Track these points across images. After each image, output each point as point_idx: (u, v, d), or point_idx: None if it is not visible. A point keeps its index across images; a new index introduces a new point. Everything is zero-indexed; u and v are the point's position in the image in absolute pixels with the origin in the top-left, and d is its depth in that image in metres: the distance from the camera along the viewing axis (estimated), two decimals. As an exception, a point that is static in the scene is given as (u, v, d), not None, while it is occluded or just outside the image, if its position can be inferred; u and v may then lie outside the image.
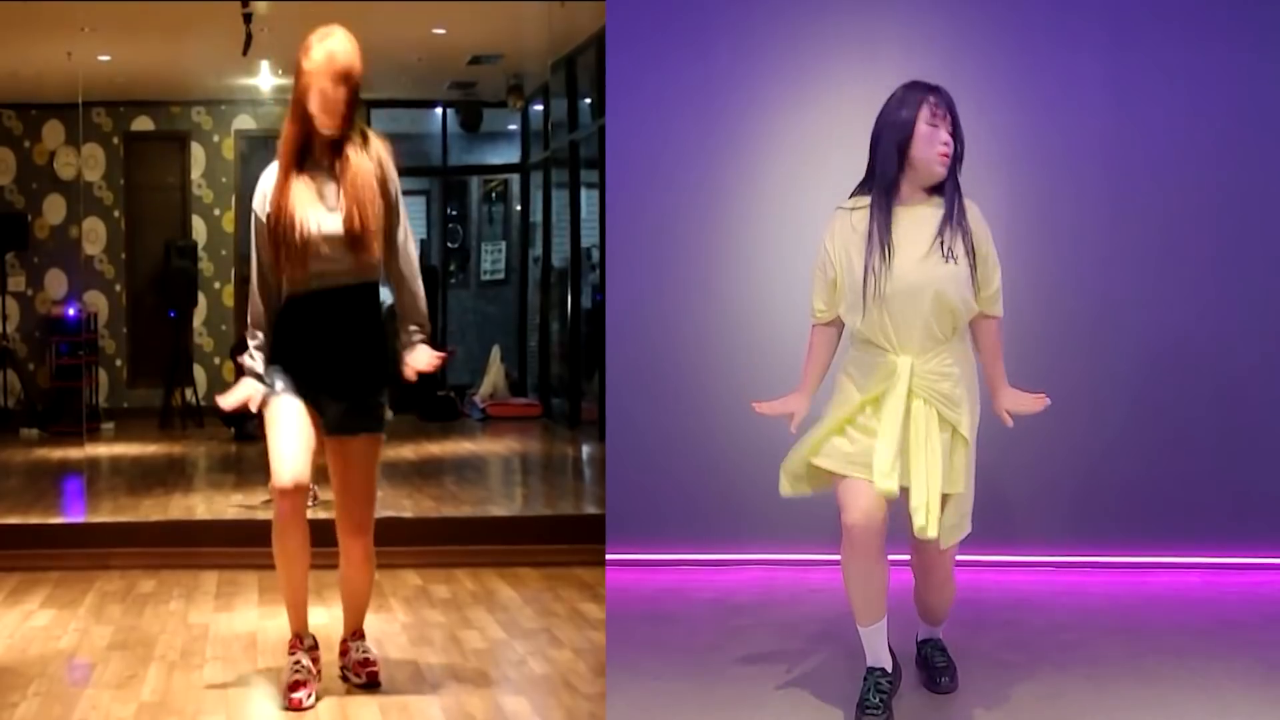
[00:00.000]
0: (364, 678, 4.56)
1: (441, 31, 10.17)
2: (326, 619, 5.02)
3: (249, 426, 9.26)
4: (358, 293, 4.42)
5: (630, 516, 6.35)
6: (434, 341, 4.55)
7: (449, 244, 12.56)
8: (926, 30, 6.28)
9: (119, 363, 11.22)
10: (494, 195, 12.84)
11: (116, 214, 11.17)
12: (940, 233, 4.10)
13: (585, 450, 10.13)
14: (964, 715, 4.36)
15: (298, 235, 4.29)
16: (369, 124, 4.67)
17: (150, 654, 5.05)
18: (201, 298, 11.16)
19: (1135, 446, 6.24)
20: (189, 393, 10.97)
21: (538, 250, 12.00)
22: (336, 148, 4.36)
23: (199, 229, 11.29)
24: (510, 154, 12.58)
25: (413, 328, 4.51)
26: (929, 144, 4.09)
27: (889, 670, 4.29)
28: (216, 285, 11.23)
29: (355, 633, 4.68)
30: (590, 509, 7.53)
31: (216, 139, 11.37)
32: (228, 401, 4.43)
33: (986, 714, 4.35)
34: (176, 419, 10.87)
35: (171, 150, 11.41)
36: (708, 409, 6.39)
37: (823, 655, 4.95)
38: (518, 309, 12.47)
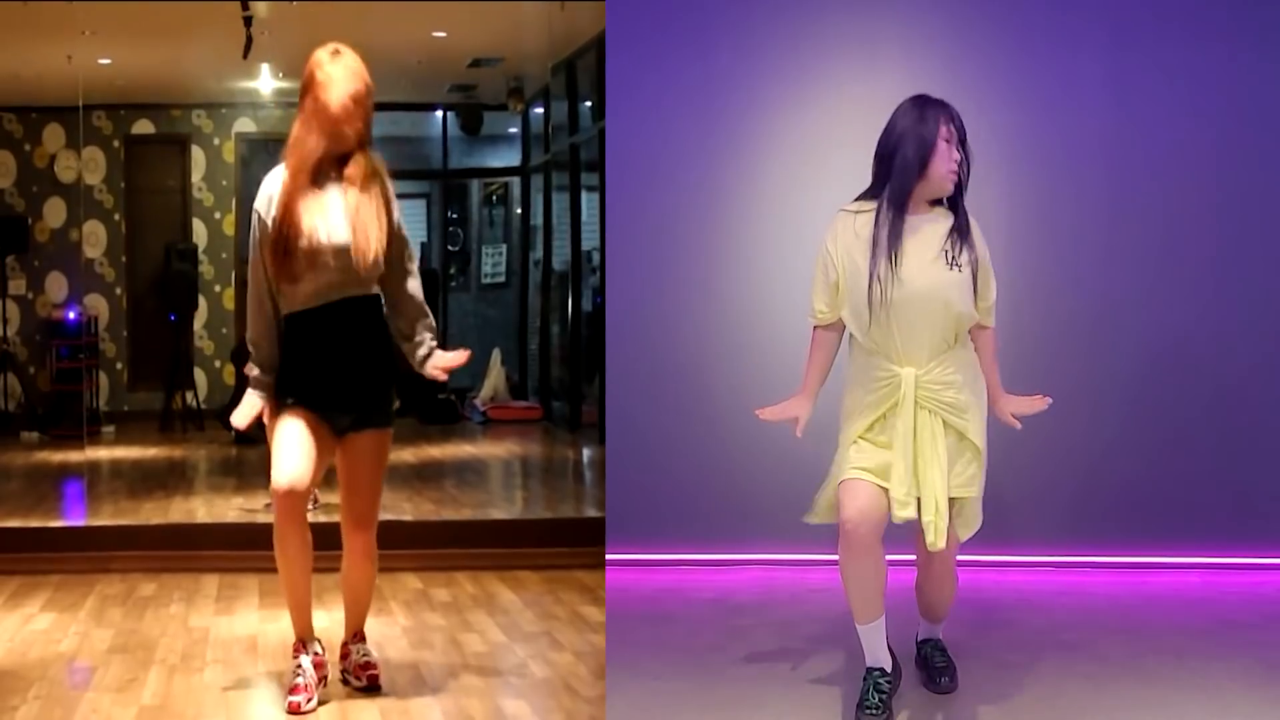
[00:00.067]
0: (364, 681, 4.55)
1: (442, 34, 10.18)
2: (327, 622, 5.02)
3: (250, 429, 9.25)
4: (363, 305, 4.44)
5: (630, 516, 6.35)
6: (440, 345, 4.58)
7: (449, 247, 12.56)
8: (926, 30, 6.28)
9: (119, 366, 11.23)
10: (494, 198, 12.84)
11: (117, 217, 11.18)
12: (947, 242, 4.17)
13: (586, 453, 10.13)
14: (964, 715, 4.36)
15: (306, 243, 4.30)
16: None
17: (151, 657, 5.05)
18: (202, 301, 11.17)
19: (1135, 446, 6.24)
20: (189, 396, 10.97)
21: (538, 253, 12.00)
22: (342, 160, 4.38)
23: (199, 232, 11.30)
24: (511, 157, 12.58)
25: (427, 335, 4.52)
26: (945, 160, 4.15)
27: (888, 670, 4.30)
28: (217, 288, 11.23)
29: (356, 635, 4.68)
30: (591, 512, 7.53)
31: (217, 142, 11.38)
32: (239, 420, 4.45)
33: (986, 714, 4.35)
34: (177, 422, 10.87)
35: (172, 153, 11.42)
36: (708, 409, 6.39)
37: (823, 655, 4.95)
38: (518, 312, 12.47)
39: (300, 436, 4.37)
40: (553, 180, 11.71)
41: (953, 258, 4.16)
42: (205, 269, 11.21)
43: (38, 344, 11.06)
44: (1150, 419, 6.24)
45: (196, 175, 11.35)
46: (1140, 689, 4.57)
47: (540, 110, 11.90)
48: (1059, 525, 6.28)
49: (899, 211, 4.15)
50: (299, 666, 4.43)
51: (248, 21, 9.02)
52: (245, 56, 9.30)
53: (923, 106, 4.18)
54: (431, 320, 4.54)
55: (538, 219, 11.96)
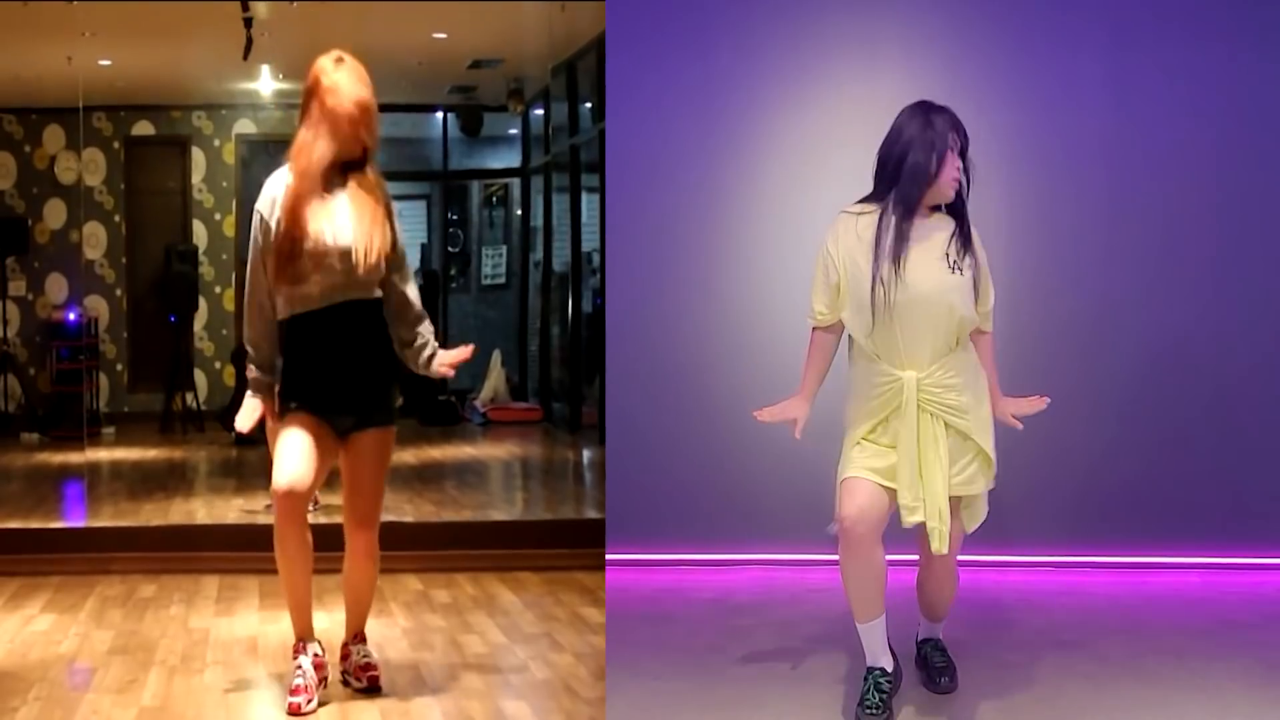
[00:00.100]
0: (365, 682, 4.56)
1: (442, 36, 10.18)
2: (328, 623, 5.02)
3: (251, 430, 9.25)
4: (366, 308, 4.46)
5: (630, 516, 6.35)
6: (441, 346, 4.60)
7: (449, 248, 12.57)
8: (926, 30, 6.28)
9: (119, 367, 11.23)
10: (494, 199, 12.85)
11: (117, 218, 11.19)
12: (950, 246, 4.19)
13: (586, 454, 10.13)
14: (964, 715, 4.36)
15: (313, 245, 4.32)
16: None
17: (151, 659, 5.05)
18: (202, 302, 11.17)
19: (1135, 446, 6.24)
20: (190, 397, 10.97)
21: (538, 255, 12.01)
22: (346, 166, 4.41)
23: (200, 233, 11.31)
24: (511, 158, 12.59)
25: (429, 336, 4.55)
26: (951, 167, 4.18)
27: (889, 670, 4.30)
28: (217, 290, 11.23)
29: (356, 636, 4.68)
30: (591, 513, 7.52)
31: (217, 143, 11.38)
32: (242, 423, 4.46)
33: (986, 714, 4.35)
34: (177, 423, 10.87)
35: (172, 155, 11.42)
36: (708, 409, 6.39)
37: (823, 655, 4.94)
38: (518, 313, 12.48)
39: (302, 439, 4.39)
40: (553, 182, 11.71)
41: (955, 262, 4.18)
42: (205, 270, 11.22)
43: (38, 345, 11.06)
44: (1150, 419, 6.24)
45: (197, 176, 11.36)
46: (1140, 689, 4.57)
47: (540, 111, 11.90)
48: (1059, 525, 6.28)
49: (907, 216, 4.16)
50: (299, 667, 4.43)
51: (248, 23, 9.02)
52: (245, 58, 9.30)
53: (928, 112, 4.19)
54: (429, 323, 4.57)
55: (538, 220, 11.96)
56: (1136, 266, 6.25)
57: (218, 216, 11.32)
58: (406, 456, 9.56)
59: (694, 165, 6.43)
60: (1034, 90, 6.27)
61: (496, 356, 11.97)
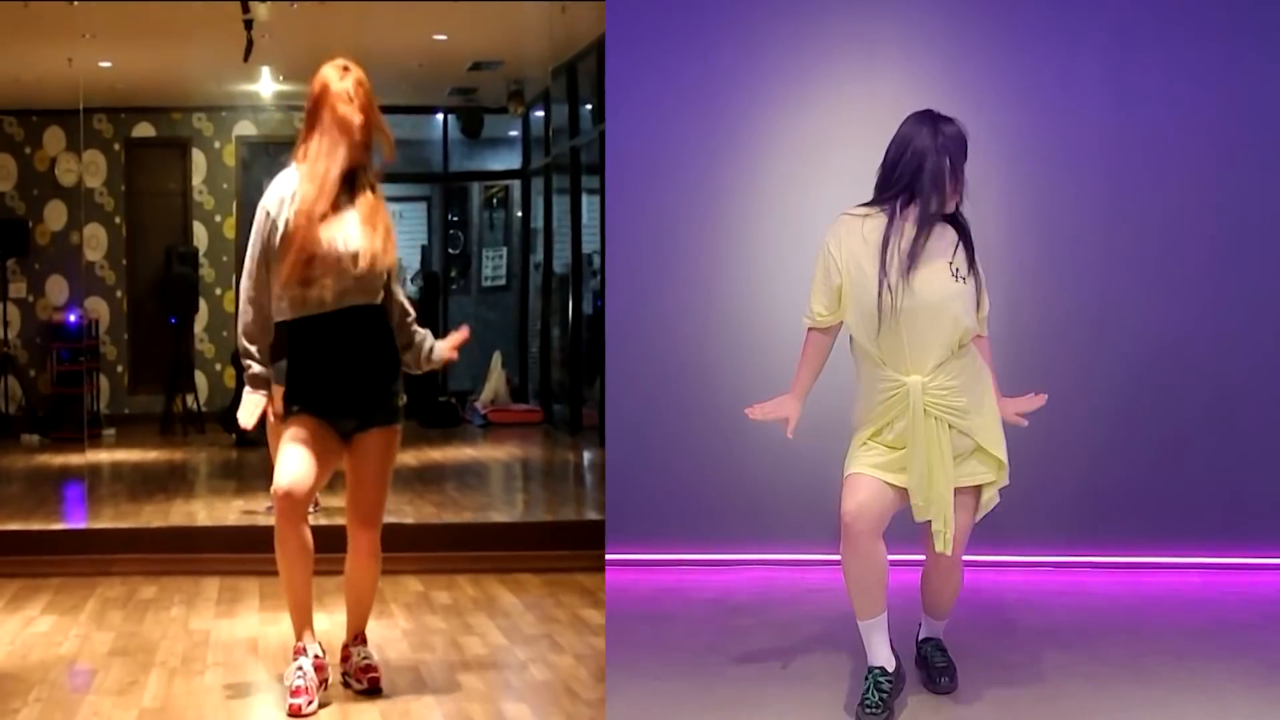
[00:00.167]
0: (365, 683, 4.55)
1: (442, 38, 10.18)
2: (328, 624, 5.02)
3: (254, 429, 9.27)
4: (371, 313, 4.50)
5: (630, 517, 6.35)
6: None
7: (450, 250, 12.57)
8: (926, 30, 6.28)
9: (120, 369, 11.23)
10: (495, 201, 12.85)
11: (117, 220, 11.18)
12: (954, 255, 4.20)
13: (586, 456, 10.13)
14: (964, 715, 4.36)
15: (328, 248, 4.36)
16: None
17: (151, 660, 5.05)
18: (203, 304, 11.17)
19: (1134, 447, 6.24)
20: (190, 399, 10.97)
21: (539, 256, 12.01)
22: (350, 172, 4.45)
23: (200, 235, 11.30)
24: (511, 160, 12.59)
25: (424, 331, 4.64)
26: (956, 178, 4.18)
27: (890, 669, 4.29)
28: (218, 291, 11.23)
29: (357, 637, 4.68)
30: (591, 515, 7.52)
31: (218, 145, 11.38)
32: (245, 419, 4.48)
33: (986, 714, 4.35)
34: (178, 425, 10.87)
35: (172, 156, 11.42)
36: (708, 410, 6.38)
37: (823, 655, 4.94)
38: (519, 315, 12.47)
39: (304, 441, 4.41)
40: (553, 183, 11.71)
41: (957, 269, 4.20)
42: (206, 272, 11.21)
43: (38, 347, 11.06)
44: (1149, 419, 6.24)
45: (197, 178, 11.35)
46: (1140, 689, 4.57)
47: (541, 113, 11.91)
48: (1058, 526, 6.28)
49: (924, 224, 4.15)
50: (299, 668, 4.43)
51: (248, 24, 9.03)
52: (246, 59, 9.31)
53: (937, 121, 4.18)
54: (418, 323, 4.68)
55: (538, 222, 11.96)
56: (1136, 266, 6.25)
57: (218, 218, 11.32)
58: (407, 458, 9.56)
59: (694, 165, 6.43)
60: (1034, 90, 6.27)
61: (497, 358, 11.97)
